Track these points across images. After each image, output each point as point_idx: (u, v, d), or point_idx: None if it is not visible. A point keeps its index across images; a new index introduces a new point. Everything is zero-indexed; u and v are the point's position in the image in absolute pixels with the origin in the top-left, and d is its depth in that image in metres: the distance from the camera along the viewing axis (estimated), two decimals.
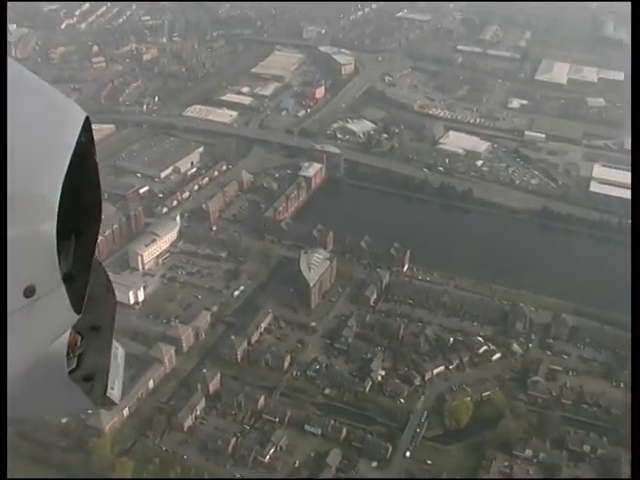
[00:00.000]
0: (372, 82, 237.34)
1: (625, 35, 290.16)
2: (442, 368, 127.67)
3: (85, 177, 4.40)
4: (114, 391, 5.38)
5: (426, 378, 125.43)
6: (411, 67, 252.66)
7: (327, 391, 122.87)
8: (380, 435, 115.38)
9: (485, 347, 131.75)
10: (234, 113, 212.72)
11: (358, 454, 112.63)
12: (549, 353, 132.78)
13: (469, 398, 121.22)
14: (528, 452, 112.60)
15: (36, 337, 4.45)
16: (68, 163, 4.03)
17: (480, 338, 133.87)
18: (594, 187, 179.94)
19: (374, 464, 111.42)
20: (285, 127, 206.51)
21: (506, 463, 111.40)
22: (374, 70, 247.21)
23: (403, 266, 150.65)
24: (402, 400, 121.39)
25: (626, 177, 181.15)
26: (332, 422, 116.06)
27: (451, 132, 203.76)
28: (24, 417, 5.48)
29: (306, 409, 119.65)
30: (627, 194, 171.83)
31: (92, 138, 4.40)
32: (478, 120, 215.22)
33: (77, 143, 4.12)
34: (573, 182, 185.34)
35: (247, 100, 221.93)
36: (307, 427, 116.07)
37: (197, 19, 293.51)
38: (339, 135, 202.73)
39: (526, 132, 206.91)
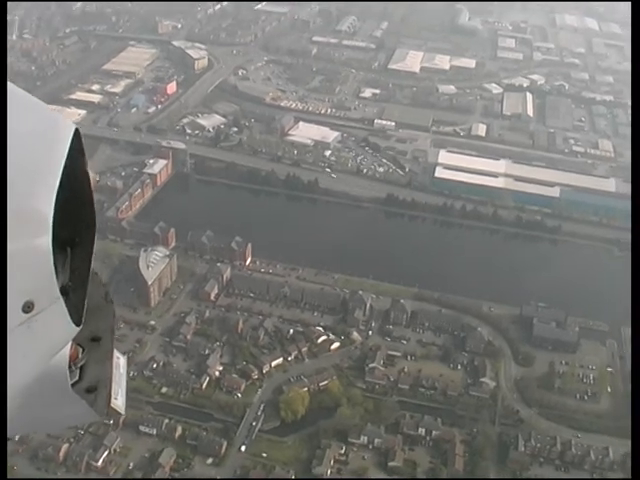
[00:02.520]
0: (225, 76, 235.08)
1: (478, 24, 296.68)
2: (280, 360, 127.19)
3: (77, 189, 4.37)
4: (118, 401, 5.37)
5: (264, 371, 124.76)
6: (266, 60, 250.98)
7: (164, 390, 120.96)
8: (216, 431, 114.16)
9: (324, 337, 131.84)
10: (82, 112, 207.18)
11: (193, 452, 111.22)
12: (388, 339, 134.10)
13: (306, 389, 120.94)
14: (363, 438, 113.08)
15: (37, 352, 4.36)
16: (60, 176, 3.97)
17: (320, 328, 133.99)
18: (439, 173, 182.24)
19: (209, 461, 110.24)
20: (134, 124, 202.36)
21: (341, 451, 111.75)
22: (228, 64, 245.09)
23: (245, 260, 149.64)
24: (239, 394, 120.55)
25: (469, 162, 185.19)
26: (167, 421, 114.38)
27: (301, 123, 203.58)
28: (30, 432, 5.62)
29: (142, 409, 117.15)
30: (469, 178, 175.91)
31: (82, 150, 4.37)
32: (329, 110, 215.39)
33: (68, 156, 4.06)
34: (420, 168, 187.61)
35: (97, 98, 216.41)
36: (142, 428, 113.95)
37: (50, 16, 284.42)
38: (188, 130, 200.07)
39: (376, 121, 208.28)
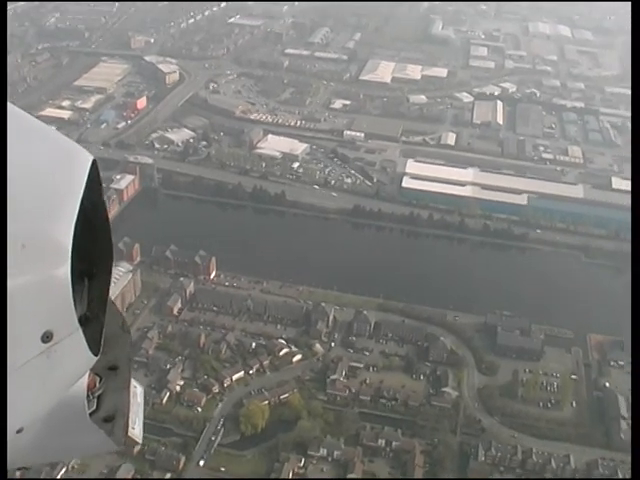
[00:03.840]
0: (196, 90, 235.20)
1: (451, 33, 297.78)
2: (242, 374, 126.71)
3: (95, 219, 4.42)
4: (135, 430, 5.36)
5: (225, 385, 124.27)
6: (237, 73, 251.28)
7: None
8: (175, 446, 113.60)
9: (286, 349, 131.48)
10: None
11: (151, 467, 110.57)
12: (351, 351, 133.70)
13: (266, 402, 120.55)
14: (323, 451, 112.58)
15: (56, 382, 4.36)
16: (78, 207, 4.02)
17: (282, 341, 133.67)
18: (406, 182, 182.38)
19: (167, 476, 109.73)
20: (103, 140, 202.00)
21: (300, 464, 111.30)
22: (200, 77, 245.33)
23: (209, 274, 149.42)
24: (199, 409, 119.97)
25: (436, 171, 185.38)
26: None
27: (270, 136, 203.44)
28: (46, 462, 5.52)
29: None
30: (437, 187, 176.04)
31: (100, 180, 4.44)
32: (299, 122, 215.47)
33: (86, 186, 4.12)
34: (388, 179, 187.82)
35: (67, 114, 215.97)
36: None
37: (23, 32, 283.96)
38: (157, 145, 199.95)
39: (346, 132, 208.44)
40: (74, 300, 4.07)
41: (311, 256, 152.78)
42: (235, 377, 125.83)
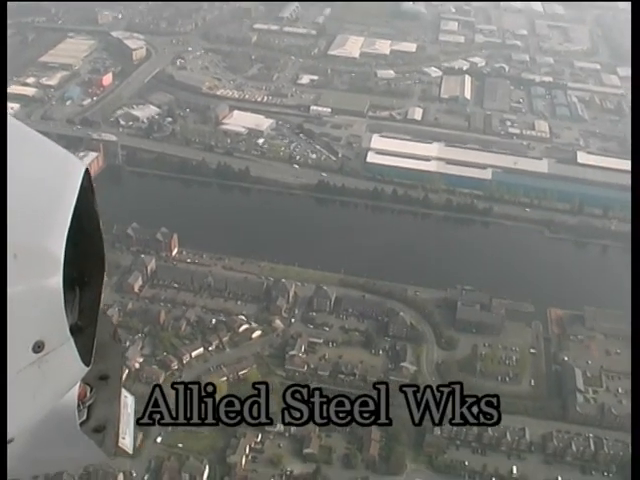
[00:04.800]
0: (163, 66, 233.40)
1: (422, 8, 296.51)
2: (201, 350, 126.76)
3: (87, 228, 4.45)
4: (126, 440, 5.35)
5: (184, 361, 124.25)
6: (205, 49, 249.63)
7: None
8: None
9: (246, 325, 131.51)
10: (16, 105, 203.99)
11: None
12: (311, 326, 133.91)
13: (225, 378, 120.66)
14: (279, 427, 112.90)
15: (47, 392, 4.35)
16: (71, 216, 4.06)
17: (242, 317, 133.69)
18: (371, 157, 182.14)
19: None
20: (68, 117, 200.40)
21: (257, 439, 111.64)
22: (167, 53, 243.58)
23: (171, 250, 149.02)
24: None
25: (401, 146, 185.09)
26: None
27: (235, 112, 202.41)
28: (37, 473, 5.24)
29: None
30: (401, 162, 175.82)
31: (92, 189, 4.52)
32: (266, 98, 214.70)
33: (78, 195, 4.17)
34: (353, 154, 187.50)
35: (31, 91, 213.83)
36: None
37: None
38: (122, 122, 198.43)
39: (312, 107, 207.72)
40: (65, 309, 4.05)
41: (273, 232, 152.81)
42: (194, 354, 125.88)
